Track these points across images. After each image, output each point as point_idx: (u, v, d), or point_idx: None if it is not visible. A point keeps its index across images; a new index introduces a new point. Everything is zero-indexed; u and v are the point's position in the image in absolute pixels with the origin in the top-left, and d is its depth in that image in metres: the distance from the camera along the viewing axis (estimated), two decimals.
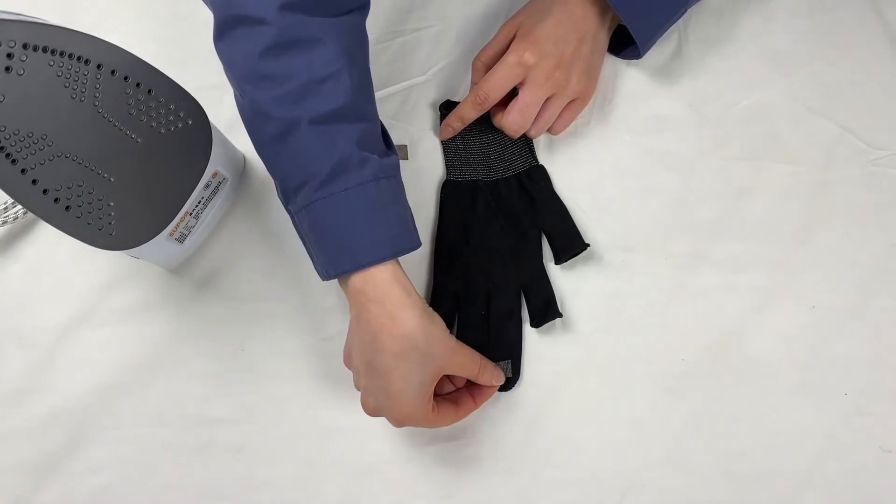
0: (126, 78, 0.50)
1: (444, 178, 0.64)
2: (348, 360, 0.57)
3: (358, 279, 0.52)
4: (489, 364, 0.58)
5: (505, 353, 0.60)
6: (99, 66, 0.49)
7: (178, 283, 0.63)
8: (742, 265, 0.62)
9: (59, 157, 0.49)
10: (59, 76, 0.48)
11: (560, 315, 0.60)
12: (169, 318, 0.63)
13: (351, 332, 0.55)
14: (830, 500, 0.59)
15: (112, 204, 0.51)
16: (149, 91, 0.51)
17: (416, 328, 0.52)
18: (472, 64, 0.63)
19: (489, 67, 0.61)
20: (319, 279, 0.55)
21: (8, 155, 0.47)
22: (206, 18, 0.66)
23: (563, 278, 0.62)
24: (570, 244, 0.61)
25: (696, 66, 0.66)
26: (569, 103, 0.62)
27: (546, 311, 0.61)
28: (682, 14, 0.62)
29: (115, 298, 0.63)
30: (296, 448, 0.61)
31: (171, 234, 0.56)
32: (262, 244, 0.64)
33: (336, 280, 0.54)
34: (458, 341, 0.55)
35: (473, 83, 0.62)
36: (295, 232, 0.56)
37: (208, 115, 0.54)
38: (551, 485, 0.60)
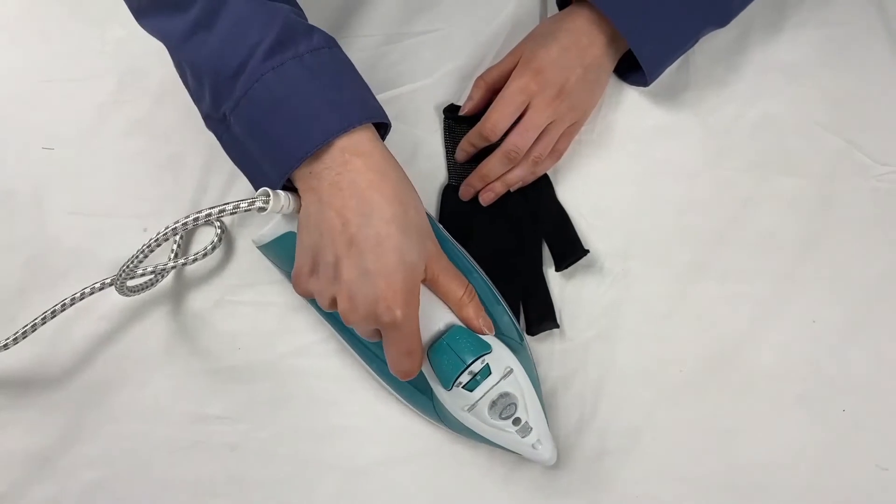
0: None
1: (446, 182, 0.64)
2: (303, 274, 0.49)
3: (338, 143, 0.46)
4: (477, 298, 0.53)
5: None
6: None
7: (175, 280, 0.63)
8: (743, 277, 0.62)
9: None
10: None
11: (557, 326, 0.61)
12: (166, 315, 0.63)
13: (315, 217, 0.47)
14: None
15: None
16: None
17: (405, 189, 0.48)
18: (475, 81, 0.63)
19: (489, 85, 0.62)
20: None
21: None
22: None
23: (562, 285, 0.62)
24: (571, 250, 0.61)
25: (703, 76, 0.65)
26: (568, 127, 0.62)
27: (543, 319, 0.61)
28: (693, 45, 0.61)
29: (113, 296, 0.63)
30: (290, 448, 0.60)
31: None
32: None
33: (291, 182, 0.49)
34: None
35: (471, 98, 0.62)
36: None
37: None
38: (548, 492, 0.59)
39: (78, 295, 0.58)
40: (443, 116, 0.65)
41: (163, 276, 0.62)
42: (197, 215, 0.48)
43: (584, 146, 0.64)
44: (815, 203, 0.63)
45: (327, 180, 0.47)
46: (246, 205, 0.48)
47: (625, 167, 0.64)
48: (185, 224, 0.48)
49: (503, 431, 0.53)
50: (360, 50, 0.66)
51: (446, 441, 0.60)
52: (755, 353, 0.61)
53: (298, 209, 0.51)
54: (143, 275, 0.60)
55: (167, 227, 0.49)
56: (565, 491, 0.59)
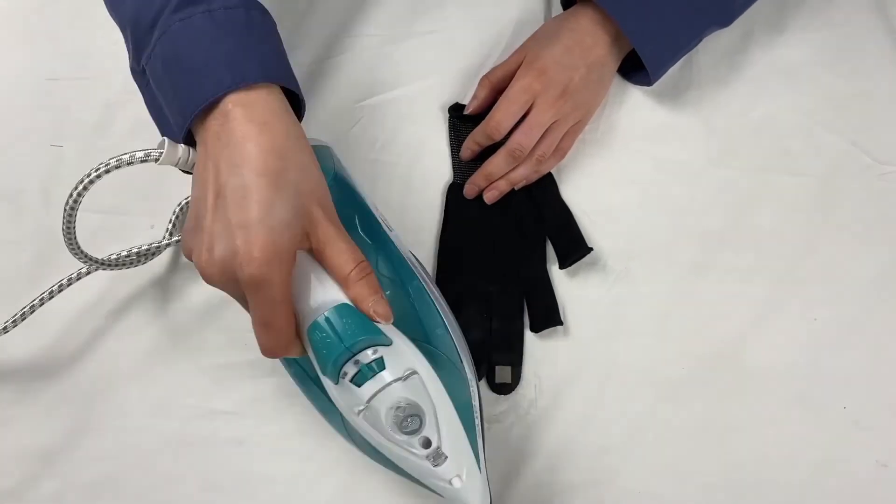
0: None
1: (451, 180, 0.65)
2: (187, 230, 0.47)
3: (230, 97, 0.44)
4: (373, 278, 0.46)
5: (506, 357, 0.61)
6: None
7: (183, 276, 0.64)
8: (745, 276, 0.62)
9: None
10: None
11: (561, 323, 0.61)
12: (173, 311, 0.63)
13: (199, 169, 0.45)
14: None
15: None
16: None
17: (292, 147, 0.44)
18: (480, 80, 0.63)
19: (494, 85, 0.62)
20: None
21: None
22: None
23: (566, 284, 0.63)
24: (574, 248, 0.62)
25: (706, 76, 0.66)
26: (571, 126, 0.62)
27: (547, 317, 0.61)
28: (696, 45, 0.62)
29: (120, 290, 0.64)
30: (296, 443, 0.61)
31: None
32: None
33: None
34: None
35: (475, 97, 0.63)
36: None
37: None
38: (549, 488, 0.60)
39: (64, 281, 0.60)
40: (448, 115, 0.65)
41: (155, 255, 0.62)
42: (98, 167, 0.47)
43: (587, 145, 0.65)
44: (816, 202, 0.63)
45: (212, 131, 0.44)
46: (142, 154, 0.47)
47: (628, 166, 0.65)
48: (90, 178, 0.47)
49: (409, 453, 0.45)
50: (365, 49, 0.67)
51: None
52: (756, 351, 0.61)
53: None
54: (146, 252, 0.61)
55: (74, 187, 0.48)
56: (567, 487, 0.60)
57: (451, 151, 0.65)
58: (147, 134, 0.66)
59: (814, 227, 0.63)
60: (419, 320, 0.50)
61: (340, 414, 0.48)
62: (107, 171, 0.47)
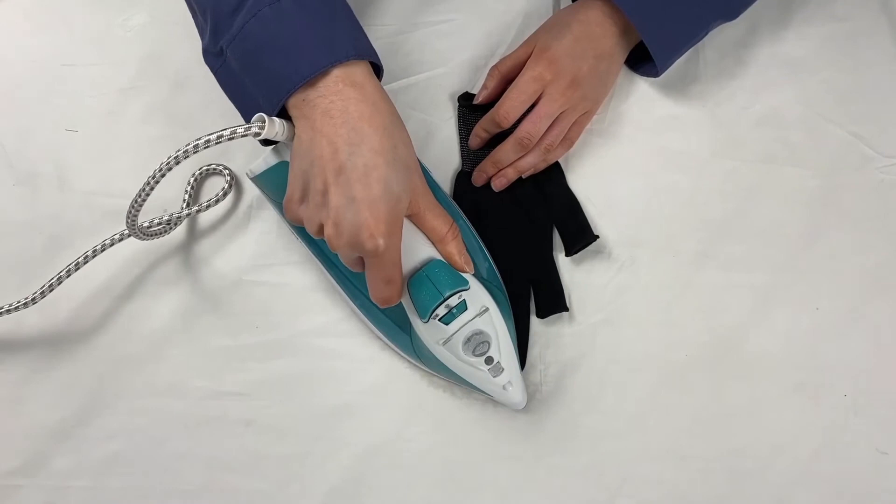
0: None
1: (460, 168, 0.66)
2: (294, 200, 0.51)
3: (334, 72, 0.48)
4: (461, 238, 0.56)
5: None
6: None
7: (194, 259, 0.65)
8: (747, 265, 0.63)
9: None
10: None
11: (567, 309, 0.62)
12: (184, 293, 0.64)
13: (307, 144, 0.49)
14: (825, 500, 0.60)
15: None
16: None
17: (396, 124, 0.49)
18: (490, 70, 0.64)
19: (504, 75, 0.63)
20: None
21: None
22: None
23: (572, 271, 0.64)
24: (581, 236, 0.63)
25: (711, 69, 0.67)
26: (579, 116, 0.63)
27: (553, 303, 0.62)
28: (703, 37, 0.63)
29: (132, 272, 0.65)
30: (304, 424, 0.62)
31: None
32: (276, 223, 0.65)
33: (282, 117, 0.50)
34: None
35: (485, 87, 0.64)
36: None
37: None
38: (552, 471, 0.61)
39: (99, 247, 0.61)
40: (457, 104, 0.66)
41: (177, 225, 0.64)
42: (196, 142, 0.49)
43: (594, 135, 0.66)
44: (819, 194, 0.64)
45: (320, 108, 0.48)
46: (242, 130, 0.49)
47: (634, 156, 0.65)
48: (185, 152, 0.49)
49: (476, 369, 0.56)
50: (376, 39, 0.66)
51: (455, 418, 0.61)
52: (758, 339, 0.62)
53: (292, 137, 0.52)
54: (158, 224, 0.62)
55: (169, 157, 0.49)
56: (570, 470, 0.61)
57: (460, 140, 0.66)
58: (159, 120, 0.67)
59: (815, 218, 0.64)
60: (470, 254, 0.57)
61: (410, 336, 0.58)
62: (206, 146, 0.49)
